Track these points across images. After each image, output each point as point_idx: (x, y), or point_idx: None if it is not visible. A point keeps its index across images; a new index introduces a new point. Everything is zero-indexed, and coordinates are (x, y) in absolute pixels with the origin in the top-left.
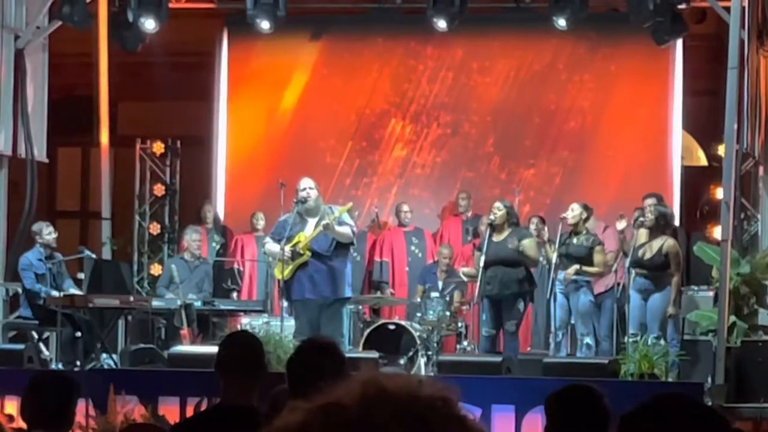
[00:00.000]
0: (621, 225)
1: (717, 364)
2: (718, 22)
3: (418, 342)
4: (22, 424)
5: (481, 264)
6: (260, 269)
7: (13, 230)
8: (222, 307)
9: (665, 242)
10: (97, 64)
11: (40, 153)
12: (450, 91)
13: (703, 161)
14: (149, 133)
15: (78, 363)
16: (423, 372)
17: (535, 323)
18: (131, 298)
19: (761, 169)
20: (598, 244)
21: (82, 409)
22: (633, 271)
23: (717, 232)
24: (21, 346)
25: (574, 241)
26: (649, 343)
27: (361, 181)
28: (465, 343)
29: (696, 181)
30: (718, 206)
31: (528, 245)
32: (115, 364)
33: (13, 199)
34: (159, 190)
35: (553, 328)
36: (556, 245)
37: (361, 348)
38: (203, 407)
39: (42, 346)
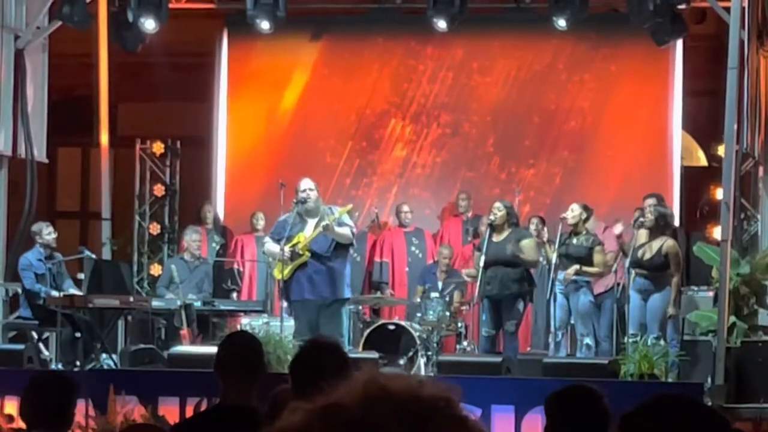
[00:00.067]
0: (618, 229)
1: (717, 365)
2: (718, 22)
3: (418, 342)
4: (22, 425)
5: (481, 264)
6: (260, 269)
7: (13, 230)
8: (222, 307)
9: (665, 243)
10: (97, 65)
11: (40, 153)
12: (450, 92)
13: (703, 161)
14: (149, 134)
15: (78, 363)
16: (423, 372)
17: (535, 323)
18: (131, 299)
19: (761, 170)
20: (598, 244)
21: (82, 409)
22: (633, 272)
23: (717, 233)
24: (21, 347)
25: (574, 241)
26: (649, 343)
27: (361, 181)
28: (465, 343)
29: (696, 181)
30: (718, 206)
31: (527, 246)
32: (115, 364)
33: (13, 199)
34: (159, 190)
35: (552, 329)
36: (556, 245)
37: (360, 348)
38: (203, 407)
39: (42, 346)
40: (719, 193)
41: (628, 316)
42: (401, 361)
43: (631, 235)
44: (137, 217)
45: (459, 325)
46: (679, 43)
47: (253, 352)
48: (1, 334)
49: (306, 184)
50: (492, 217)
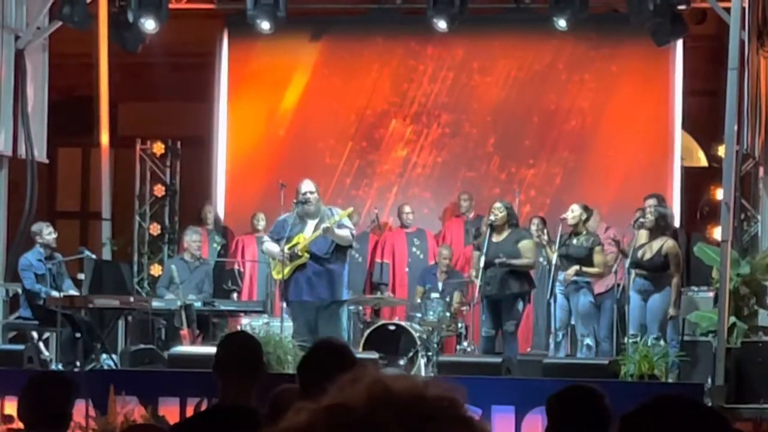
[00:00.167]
0: (611, 234)
1: (717, 365)
2: (718, 22)
3: (418, 343)
4: (21, 425)
5: (481, 264)
6: (261, 270)
7: (13, 231)
8: (222, 307)
9: (665, 243)
10: (97, 65)
11: (41, 153)
12: (450, 92)
13: (704, 162)
14: (149, 134)
15: (78, 363)
16: (423, 373)
17: (535, 324)
18: (131, 299)
19: (761, 170)
20: (598, 244)
21: (82, 410)
22: (633, 272)
23: (717, 233)
24: (21, 347)
25: (574, 241)
26: (649, 343)
27: (361, 181)
28: (465, 344)
29: (696, 181)
30: (718, 207)
31: (525, 247)
32: (115, 364)
33: (13, 199)
34: (159, 190)
35: (553, 329)
36: (556, 246)
37: (361, 349)
38: (203, 408)
39: (42, 346)
40: (719, 194)
41: (628, 317)
42: (401, 362)
43: (631, 236)
44: (137, 218)
45: (459, 325)
46: (680, 43)
47: (252, 352)
48: (1, 335)
49: (307, 186)
50: (492, 218)
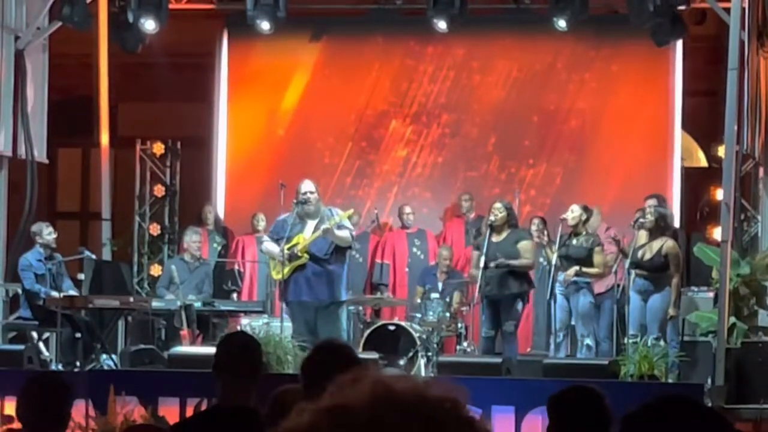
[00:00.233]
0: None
1: (717, 366)
2: (718, 23)
3: (418, 343)
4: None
5: (481, 264)
6: (261, 270)
7: (13, 231)
8: (222, 308)
9: (665, 243)
10: (97, 65)
11: (41, 154)
12: (450, 92)
13: (703, 162)
14: (149, 134)
15: (78, 364)
16: (423, 373)
17: (536, 324)
18: (131, 299)
19: (761, 171)
20: (598, 245)
21: (82, 410)
22: (633, 273)
23: (717, 233)
24: (21, 347)
25: (574, 242)
26: (649, 344)
27: (361, 181)
28: (465, 344)
29: (696, 182)
30: (718, 207)
31: (524, 248)
32: (115, 364)
33: (13, 199)
34: (159, 190)
35: (553, 330)
36: (556, 247)
37: (361, 349)
38: (203, 408)
39: (42, 346)
40: (719, 194)
41: (628, 317)
42: (401, 362)
43: (631, 236)
44: (137, 218)
45: (459, 326)
46: (679, 43)
47: (252, 352)
48: (1, 335)
49: (307, 186)
50: (492, 218)
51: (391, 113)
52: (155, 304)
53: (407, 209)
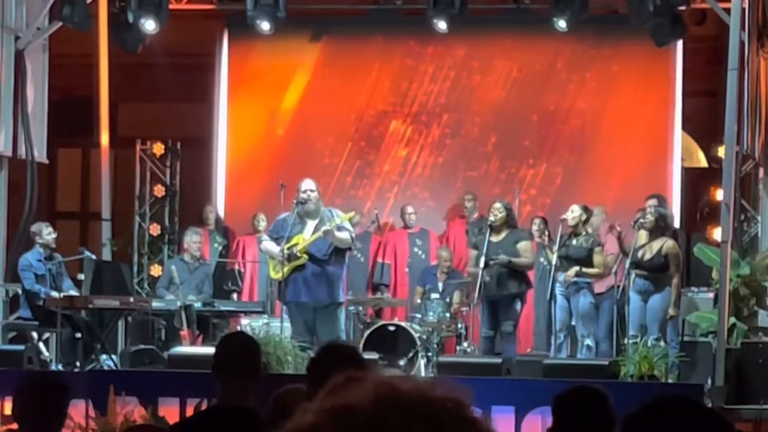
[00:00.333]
0: (615, 231)
1: (717, 366)
2: (718, 23)
3: (418, 343)
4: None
5: (481, 264)
6: (261, 270)
7: (13, 231)
8: (222, 308)
9: (665, 243)
10: (97, 65)
11: (41, 154)
12: (450, 92)
13: (704, 163)
14: (149, 134)
15: (78, 364)
16: (423, 373)
17: (537, 325)
18: (131, 299)
19: (761, 171)
20: (598, 245)
21: (82, 410)
22: (633, 273)
23: (717, 234)
24: (21, 347)
25: (574, 242)
26: (649, 344)
27: (361, 181)
28: (465, 344)
29: (696, 182)
30: (718, 208)
31: (524, 248)
32: (115, 365)
33: (13, 200)
34: (159, 191)
35: (554, 330)
36: (556, 247)
37: (360, 349)
38: (203, 408)
39: (42, 346)
40: (719, 195)
41: (628, 318)
42: (401, 362)
43: (631, 236)
44: (137, 218)
45: (459, 326)
46: (680, 44)
47: (251, 352)
48: (1, 335)
49: (307, 184)
50: (492, 218)
51: (391, 113)
52: (155, 304)
53: (409, 209)
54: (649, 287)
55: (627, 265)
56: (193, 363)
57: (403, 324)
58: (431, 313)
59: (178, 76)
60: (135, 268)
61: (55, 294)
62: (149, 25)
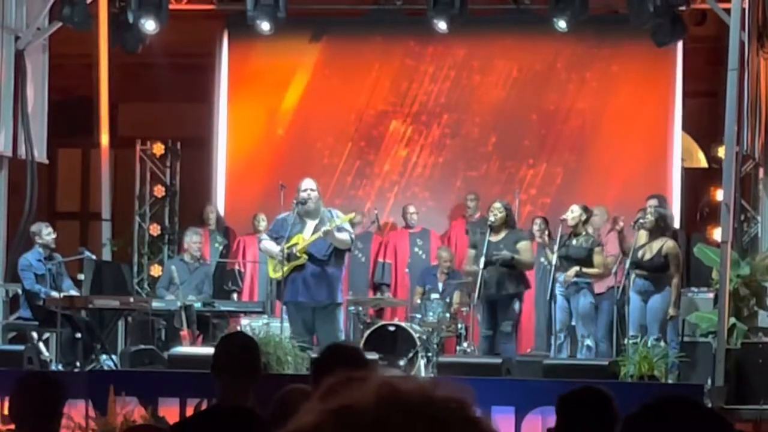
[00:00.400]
0: (618, 225)
1: (717, 366)
2: (718, 23)
3: (418, 343)
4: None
5: (481, 265)
6: (262, 270)
7: (13, 231)
8: (222, 308)
9: (665, 244)
10: (97, 65)
11: (41, 154)
12: (450, 92)
13: (704, 163)
14: (149, 135)
15: (78, 364)
16: (423, 373)
17: (538, 325)
18: (131, 299)
19: (761, 171)
20: (598, 245)
21: (82, 411)
22: (633, 273)
23: (717, 234)
24: (21, 347)
25: (574, 242)
26: (649, 344)
27: (361, 181)
28: (465, 344)
29: (696, 182)
30: (718, 208)
31: (523, 248)
32: (115, 365)
33: (13, 200)
34: (159, 191)
35: (554, 330)
36: (556, 247)
37: None
38: (203, 408)
39: (42, 347)
40: (719, 195)
41: (628, 318)
42: (401, 363)
43: (632, 236)
44: (137, 218)
45: (459, 326)
46: (680, 44)
47: (250, 352)
48: (1, 335)
49: (307, 184)
50: (492, 218)
51: (391, 113)
52: (155, 304)
53: (411, 209)
54: (649, 287)
55: (627, 265)
56: (193, 363)
57: (403, 324)
58: (431, 314)
59: (178, 76)
60: (135, 268)
61: (55, 294)
62: (149, 25)
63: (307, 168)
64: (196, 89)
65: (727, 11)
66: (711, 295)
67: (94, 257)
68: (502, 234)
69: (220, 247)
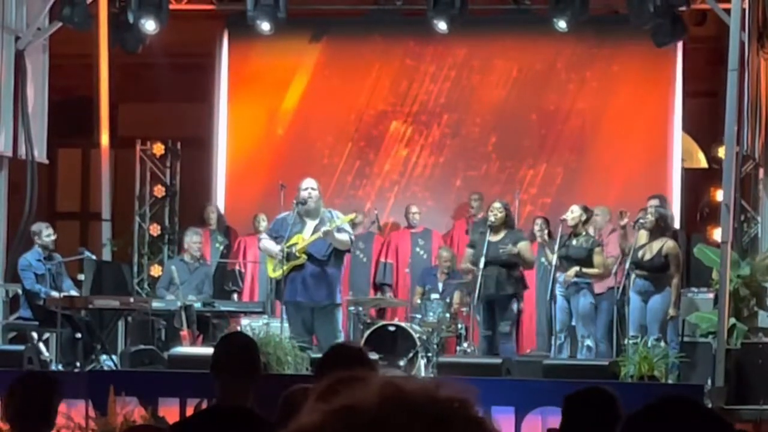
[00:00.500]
0: (623, 221)
1: (717, 366)
2: (718, 24)
3: (418, 344)
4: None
5: (481, 265)
6: (262, 270)
7: (13, 231)
8: (222, 308)
9: (665, 244)
10: (97, 66)
11: (41, 154)
12: (450, 92)
13: (704, 163)
14: (149, 135)
15: (78, 364)
16: (423, 374)
17: (539, 325)
18: (131, 300)
19: (761, 172)
20: (598, 245)
21: (82, 411)
22: (633, 273)
23: (717, 234)
24: (21, 347)
25: (574, 242)
26: (649, 344)
27: (361, 181)
28: (465, 344)
29: (696, 183)
30: (719, 208)
31: (524, 248)
32: (115, 365)
33: (13, 200)
34: (159, 191)
35: (554, 331)
36: (556, 247)
37: None
38: (203, 408)
39: (42, 347)
40: (719, 195)
41: (628, 318)
42: (401, 363)
43: (632, 236)
44: (137, 218)
45: (459, 326)
46: (680, 44)
47: (250, 352)
48: (1, 335)
49: (308, 183)
50: (492, 218)
51: (391, 113)
52: (155, 304)
53: (413, 209)
54: (649, 287)
55: (627, 265)
56: (193, 363)
57: (403, 324)
58: (431, 314)
59: (178, 76)
60: (135, 269)
61: (55, 294)
62: (149, 26)
63: (307, 168)
64: (196, 89)
65: (727, 11)
66: (711, 296)
67: (94, 257)
68: (501, 234)
69: (221, 247)
